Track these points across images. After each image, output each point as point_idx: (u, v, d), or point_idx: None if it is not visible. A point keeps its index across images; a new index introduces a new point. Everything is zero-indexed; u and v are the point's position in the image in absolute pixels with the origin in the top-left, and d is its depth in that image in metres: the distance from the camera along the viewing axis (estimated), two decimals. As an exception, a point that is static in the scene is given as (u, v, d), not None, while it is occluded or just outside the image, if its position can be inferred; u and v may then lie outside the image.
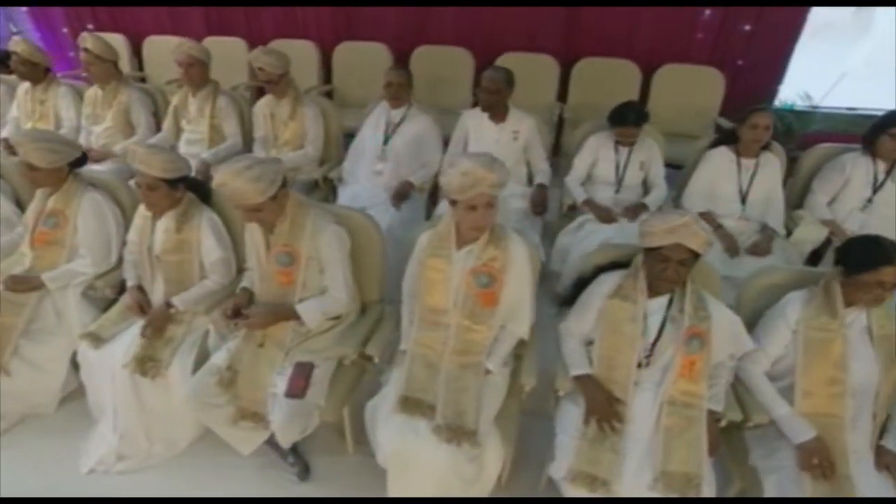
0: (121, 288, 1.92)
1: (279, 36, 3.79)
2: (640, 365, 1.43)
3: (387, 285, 1.82)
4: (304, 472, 1.76)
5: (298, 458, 1.77)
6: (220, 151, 2.66)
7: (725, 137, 2.36)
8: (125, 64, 3.88)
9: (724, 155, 2.30)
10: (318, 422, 1.65)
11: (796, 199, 2.43)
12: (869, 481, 1.34)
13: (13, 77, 2.88)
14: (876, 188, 2.21)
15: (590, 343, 1.55)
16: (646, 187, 2.50)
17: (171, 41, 3.75)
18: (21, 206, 2.09)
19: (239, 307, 1.64)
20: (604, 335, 1.47)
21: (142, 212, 1.80)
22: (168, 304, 1.74)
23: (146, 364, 1.67)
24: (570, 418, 1.47)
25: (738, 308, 1.55)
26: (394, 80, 2.46)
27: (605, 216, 2.33)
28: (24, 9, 4.24)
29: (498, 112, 2.43)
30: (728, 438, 1.52)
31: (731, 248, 2.18)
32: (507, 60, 3.40)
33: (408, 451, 1.40)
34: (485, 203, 1.39)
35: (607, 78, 3.40)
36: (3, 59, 3.05)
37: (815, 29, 3.19)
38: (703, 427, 1.37)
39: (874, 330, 1.40)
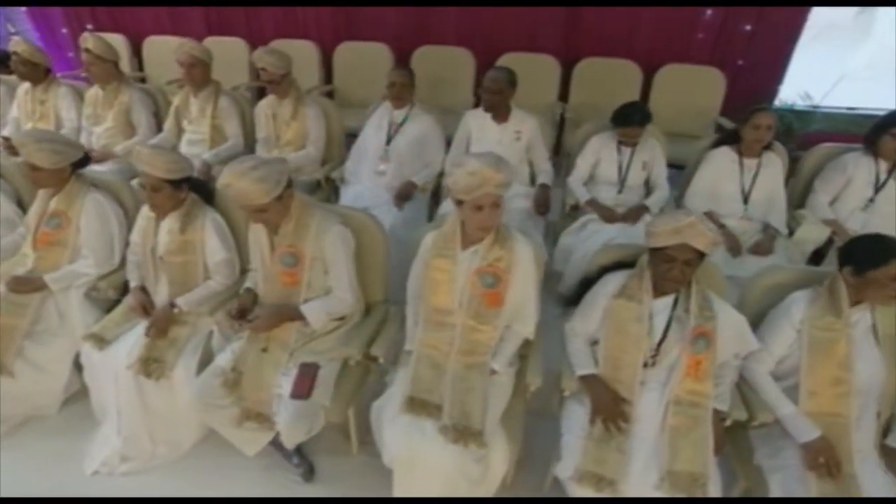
0: (123, 289, 1.91)
1: (279, 36, 3.78)
2: (645, 365, 1.44)
3: (390, 286, 1.82)
4: (309, 472, 1.76)
5: (303, 458, 1.77)
6: (222, 152, 2.65)
7: (727, 137, 2.37)
8: (125, 64, 3.87)
9: (726, 155, 2.31)
10: (324, 422, 1.64)
11: (798, 198, 2.44)
12: (874, 480, 1.35)
13: (13, 77, 2.87)
14: (878, 188, 2.22)
15: (595, 343, 1.55)
16: (648, 188, 2.50)
17: (172, 41, 3.76)
18: (22, 206, 2.09)
19: (244, 309, 1.63)
20: (609, 335, 1.48)
21: (145, 213, 1.79)
22: (172, 305, 1.74)
23: (150, 365, 1.67)
24: (576, 418, 1.47)
25: (741, 307, 1.55)
26: (397, 81, 2.46)
27: (610, 216, 2.33)
28: (22, 9, 4.22)
29: (500, 112, 2.43)
30: (733, 437, 1.52)
31: (734, 248, 2.19)
32: (508, 60, 3.40)
33: (414, 452, 1.40)
34: (491, 203, 1.39)
35: (608, 78, 3.41)
36: (3, 60, 3.04)
37: (817, 31, 3.20)
38: (708, 426, 1.38)
39: (879, 329, 1.41)
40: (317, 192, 2.67)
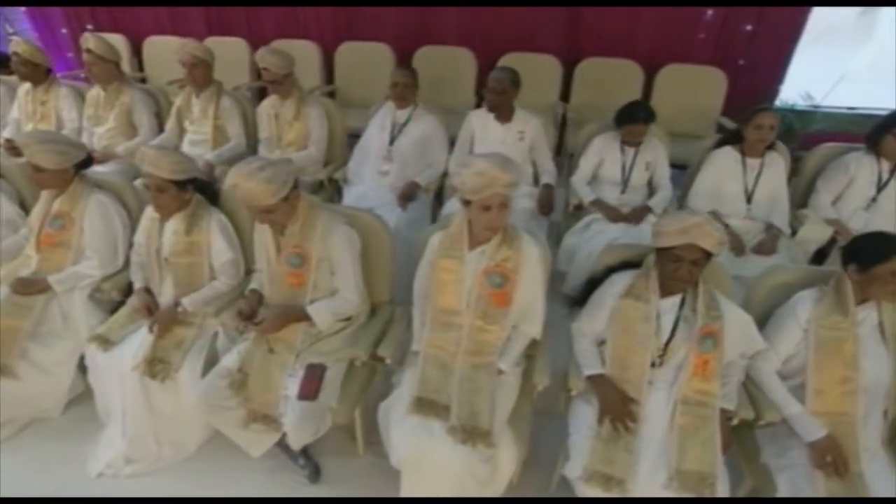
0: (128, 290, 1.90)
1: (280, 36, 3.77)
2: (653, 364, 1.44)
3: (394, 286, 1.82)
4: (315, 473, 1.75)
5: (309, 459, 1.76)
6: (224, 152, 2.64)
7: (730, 137, 2.38)
8: (125, 65, 3.85)
9: (729, 155, 2.32)
10: (330, 423, 1.64)
11: (800, 198, 2.45)
12: (881, 479, 1.36)
13: (14, 78, 2.86)
14: (880, 187, 2.23)
15: (602, 343, 1.55)
16: (651, 188, 2.50)
17: (172, 42, 3.76)
18: (24, 207, 2.08)
19: (252, 310, 1.63)
20: (617, 335, 1.48)
21: (149, 214, 1.79)
22: (176, 304, 1.73)
23: (156, 366, 1.66)
24: (584, 418, 1.47)
25: (747, 307, 1.55)
26: (400, 81, 2.46)
27: (615, 215, 2.33)
28: (22, 9, 4.20)
29: (504, 112, 2.43)
30: (739, 437, 1.53)
31: (738, 248, 2.19)
32: (509, 60, 3.40)
33: (423, 453, 1.40)
34: (499, 203, 1.39)
35: (610, 78, 3.41)
36: (3, 60, 3.03)
37: (818, 34, 3.21)
38: (716, 426, 1.38)
39: (886, 327, 1.41)
40: (319, 193, 2.66)
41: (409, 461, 1.43)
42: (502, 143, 2.41)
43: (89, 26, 4.07)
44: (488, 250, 1.48)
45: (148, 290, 1.82)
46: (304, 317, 1.60)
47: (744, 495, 1.55)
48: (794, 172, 2.49)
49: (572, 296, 1.68)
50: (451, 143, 2.62)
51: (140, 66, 4.14)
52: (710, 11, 3.25)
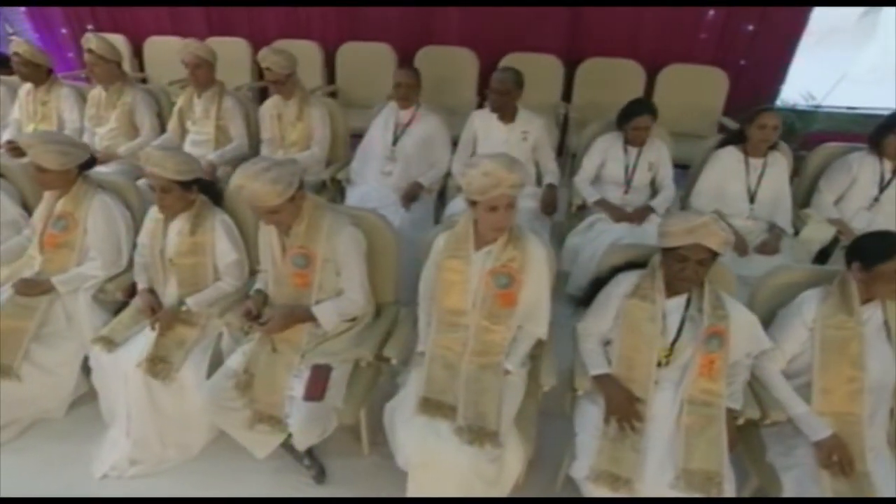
0: (131, 291, 1.90)
1: (282, 36, 3.76)
2: (659, 364, 1.44)
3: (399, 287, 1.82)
4: (321, 474, 1.75)
5: (314, 460, 1.76)
6: (227, 153, 2.64)
7: (733, 137, 2.38)
8: (126, 65, 3.84)
9: (732, 155, 2.32)
10: (336, 424, 1.64)
11: (803, 198, 2.46)
12: (887, 478, 1.36)
13: (14, 78, 2.85)
14: (882, 187, 2.24)
15: (607, 343, 1.56)
16: (654, 188, 2.50)
17: (173, 42, 3.75)
18: (27, 208, 2.07)
19: (257, 310, 1.63)
20: (623, 335, 1.48)
21: (153, 214, 1.78)
22: (180, 304, 1.73)
23: (157, 365, 1.66)
24: (590, 418, 1.47)
25: (752, 307, 1.56)
26: (403, 81, 2.46)
27: (619, 215, 2.33)
28: (22, 9, 4.19)
29: (507, 113, 2.44)
30: (745, 436, 1.53)
31: (741, 248, 2.20)
32: (511, 61, 3.40)
33: (430, 453, 1.40)
34: (506, 204, 1.39)
35: (612, 78, 3.41)
36: (4, 61, 3.02)
37: (820, 36, 3.22)
38: (722, 425, 1.38)
39: (891, 326, 1.42)
40: (322, 193, 2.66)
41: (416, 462, 1.43)
42: (505, 144, 2.41)
43: (89, 26, 4.06)
44: (494, 251, 1.48)
45: (152, 291, 1.82)
46: (309, 317, 1.59)
47: (749, 494, 1.55)
48: (795, 172, 2.50)
49: (576, 296, 1.68)
50: (454, 143, 2.62)
51: (141, 66, 4.14)
52: (711, 11, 3.26)
